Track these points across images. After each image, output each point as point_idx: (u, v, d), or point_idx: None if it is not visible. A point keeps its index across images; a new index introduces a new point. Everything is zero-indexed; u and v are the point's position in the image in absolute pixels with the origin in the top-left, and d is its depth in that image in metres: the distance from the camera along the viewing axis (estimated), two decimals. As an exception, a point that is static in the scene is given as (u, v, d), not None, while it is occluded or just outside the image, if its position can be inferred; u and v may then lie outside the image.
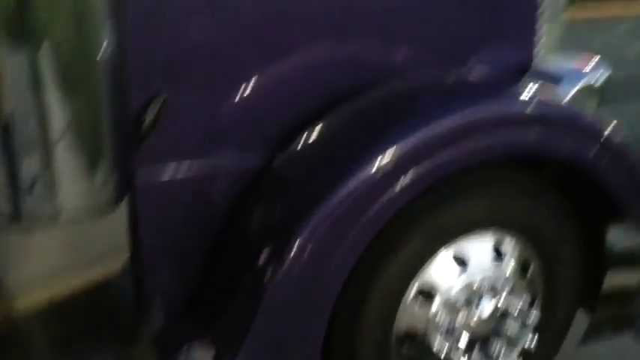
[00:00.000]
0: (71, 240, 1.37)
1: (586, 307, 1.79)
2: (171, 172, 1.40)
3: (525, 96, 1.64)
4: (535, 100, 1.61)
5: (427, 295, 1.51)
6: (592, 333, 1.81)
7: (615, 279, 1.76)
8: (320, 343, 1.42)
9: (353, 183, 1.33)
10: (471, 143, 1.41)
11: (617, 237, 1.71)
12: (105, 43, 1.22)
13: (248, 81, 1.47)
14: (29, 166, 1.22)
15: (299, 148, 1.52)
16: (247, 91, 1.47)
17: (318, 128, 1.54)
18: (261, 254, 1.37)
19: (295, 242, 1.30)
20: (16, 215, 1.23)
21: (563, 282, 1.69)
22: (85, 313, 1.43)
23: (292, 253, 1.30)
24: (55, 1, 1.18)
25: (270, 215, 1.48)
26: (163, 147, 1.36)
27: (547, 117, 1.56)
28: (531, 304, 1.63)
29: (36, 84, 1.18)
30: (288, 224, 1.37)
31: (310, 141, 1.52)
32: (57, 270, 1.38)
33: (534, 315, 1.60)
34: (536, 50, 1.95)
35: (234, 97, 1.46)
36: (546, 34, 1.96)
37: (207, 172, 1.44)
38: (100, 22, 1.21)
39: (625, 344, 2.14)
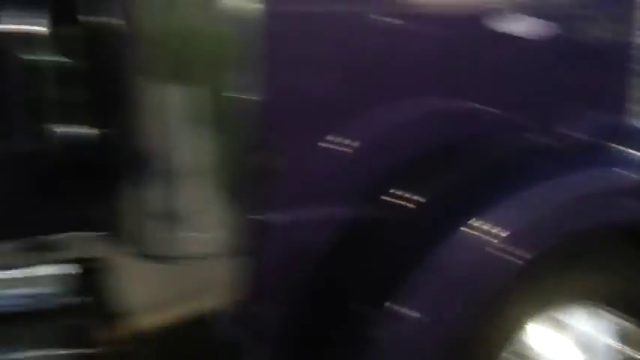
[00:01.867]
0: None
1: None
2: (287, 219, 1.42)
3: (632, 162, 1.62)
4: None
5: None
6: None
7: None
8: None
9: (468, 251, 1.32)
10: (591, 212, 1.41)
11: None
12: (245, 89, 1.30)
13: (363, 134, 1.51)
14: (163, 200, 1.29)
15: (401, 203, 1.51)
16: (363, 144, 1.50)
17: (421, 183, 1.53)
18: (366, 311, 1.37)
19: (406, 307, 1.30)
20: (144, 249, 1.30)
21: None
22: (186, 344, 1.45)
23: (405, 317, 1.29)
24: (205, 47, 1.28)
25: (376, 270, 1.47)
26: (283, 194, 1.39)
27: None
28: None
29: (183, 121, 1.28)
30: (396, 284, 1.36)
31: (412, 197, 1.51)
32: (166, 299, 1.41)
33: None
34: (628, 109, 1.91)
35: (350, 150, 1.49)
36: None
37: (319, 220, 1.45)
38: (244, 69, 1.29)
39: None
